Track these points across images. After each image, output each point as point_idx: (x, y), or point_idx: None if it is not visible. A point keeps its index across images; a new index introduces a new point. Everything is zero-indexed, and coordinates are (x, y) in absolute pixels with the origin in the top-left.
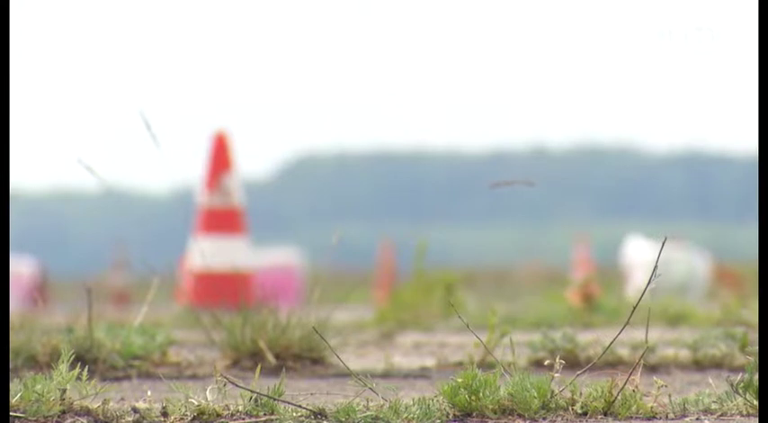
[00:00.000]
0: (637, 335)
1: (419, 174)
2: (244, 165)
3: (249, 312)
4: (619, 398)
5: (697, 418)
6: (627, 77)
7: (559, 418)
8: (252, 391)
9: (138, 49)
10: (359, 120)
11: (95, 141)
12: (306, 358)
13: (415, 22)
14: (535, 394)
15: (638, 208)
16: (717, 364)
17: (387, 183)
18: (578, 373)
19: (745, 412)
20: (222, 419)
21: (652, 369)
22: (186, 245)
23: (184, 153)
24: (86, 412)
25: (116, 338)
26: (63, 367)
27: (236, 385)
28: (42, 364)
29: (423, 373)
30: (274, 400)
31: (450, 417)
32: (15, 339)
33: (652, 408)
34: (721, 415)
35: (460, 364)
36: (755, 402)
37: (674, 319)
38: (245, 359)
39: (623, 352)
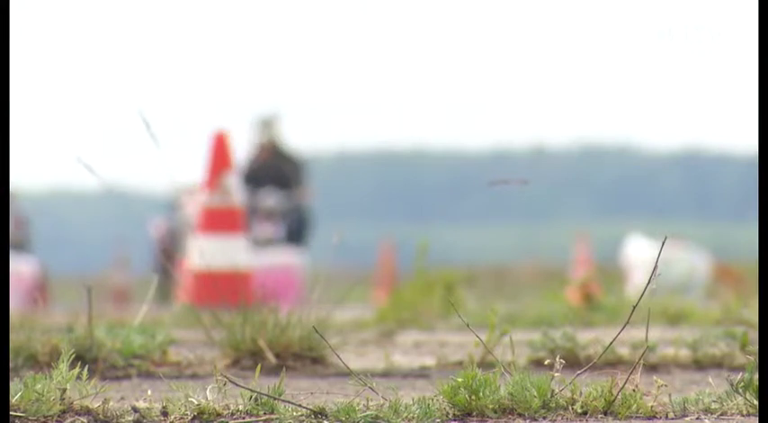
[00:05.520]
0: (637, 334)
1: (419, 174)
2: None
3: (249, 312)
4: (619, 397)
5: (697, 418)
6: (627, 77)
7: (559, 418)
8: (252, 391)
9: (138, 48)
10: (359, 120)
11: (95, 141)
12: (306, 357)
13: (415, 21)
14: (535, 394)
15: (638, 207)
16: (717, 364)
17: (387, 183)
18: (578, 372)
19: (745, 412)
20: (222, 419)
21: (652, 368)
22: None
23: (184, 153)
24: (86, 412)
25: (116, 338)
26: (63, 367)
27: (237, 384)
28: (42, 363)
29: (423, 373)
30: (274, 399)
31: (450, 416)
32: (15, 339)
33: (652, 407)
34: (721, 414)
35: (461, 363)
36: (756, 402)
37: (675, 319)
38: (245, 358)
39: (623, 351)
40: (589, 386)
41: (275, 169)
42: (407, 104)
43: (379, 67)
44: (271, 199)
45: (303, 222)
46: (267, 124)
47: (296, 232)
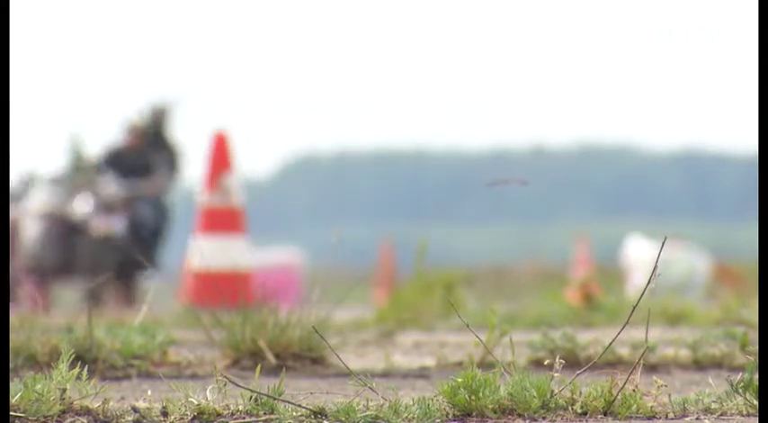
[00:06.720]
0: (637, 334)
1: (419, 174)
2: (244, 165)
3: (249, 312)
4: (619, 397)
5: (697, 418)
6: (626, 77)
7: (559, 418)
8: (252, 391)
9: (138, 48)
10: (359, 120)
11: (94, 141)
12: (306, 358)
13: (414, 21)
14: (535, 394)
15: (637, 207)
16: (717, 364)
17: (387, 183)
18: (578, 372)
19: (745, 412)
20: (222, 419)
21: (652, 368)
22: (187, 244)
23: (184, 153)
24: (86, 412)
25: (116, 338)
26: (63, 367)
27: (236, 385)
28: (42, 363)
29: (422, 373)
30: (274, 399)
31: (450, 416)
32: (15, 339)
33: (652, 407)
34: (721, 414)
35: (460, 363)
36: (755, 402)
37: (674, 319)
38: (245, 359)
39: (623, 351)
40: (589, 386)
41: (138, 157)
42: (407, 104)
43: (379, 67)
44: (111, 187)
45: (152, 217)
46: (157, 112)
47: (141, 226)
